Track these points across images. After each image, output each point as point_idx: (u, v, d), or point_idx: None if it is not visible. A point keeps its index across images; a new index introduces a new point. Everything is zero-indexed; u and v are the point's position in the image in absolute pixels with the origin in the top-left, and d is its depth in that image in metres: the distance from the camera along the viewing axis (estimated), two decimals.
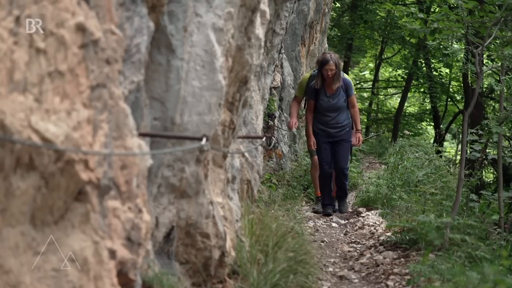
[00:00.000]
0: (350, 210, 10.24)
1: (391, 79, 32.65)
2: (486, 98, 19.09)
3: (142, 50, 3.17)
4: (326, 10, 16.91)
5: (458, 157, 16.27)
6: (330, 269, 6.65)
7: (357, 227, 8.91)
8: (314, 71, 9.65)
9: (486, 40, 7.49)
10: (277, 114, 10.80)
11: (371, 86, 31.36)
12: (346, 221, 9.33)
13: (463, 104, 24.54)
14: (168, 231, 4.03)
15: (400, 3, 23.56)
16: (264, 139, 6.84)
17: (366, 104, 30.81)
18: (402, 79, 29.33)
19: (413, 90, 29.37)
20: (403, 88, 28.77)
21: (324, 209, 9.49)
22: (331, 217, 9.46)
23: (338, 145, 9.32)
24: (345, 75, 9.35)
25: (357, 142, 9.41)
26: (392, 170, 11.06)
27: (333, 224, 9.03)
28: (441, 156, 14.58)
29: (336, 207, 9.89)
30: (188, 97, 3.89)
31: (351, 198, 11.11)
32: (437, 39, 8.33)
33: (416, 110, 32.28)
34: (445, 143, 28.16)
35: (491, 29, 7.52)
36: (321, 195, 9.62)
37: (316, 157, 9.63)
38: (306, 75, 9.83)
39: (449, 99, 27.78)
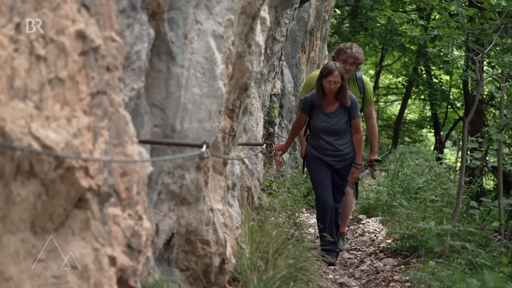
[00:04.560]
0: (351, 217, 10.24)
1: (391, 86, 32.71)
2: (486, 105, 19.11)
3: (142, 57, 3.17)
4: (326, 17, 16.92)
5: (459, 164, 16.27)
6: (331, 276, 6.64)
7: (357, 234, 8.91)
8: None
9: (486, 47, 7.50)
10: (277, 121, 10.80)
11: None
12: (347, 228, 9.32)
13: (463, 111, 24.56)
14: (168, 238, 4.03)
15: (400, 10, 23.59)
16: (264, 146, 6.84)
17: None
18: (402, 86, 29.37)
19: (413, 97, 29.41)
20: (403, 95, 28.81)
21: (327, 256, 6.67)
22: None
23: (335, 180, 7.16)
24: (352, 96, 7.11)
25: (351, 180, 7.33)
26: (393, 177, 11.05)
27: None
28: (441, 163, 14.56)
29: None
30: (188, 104, 3.89)
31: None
32: (437, 46, 8.33)
33: (416, 117, 32.32)
34: (446, 150, 28.17)
35: (491, 36, 7.53)
36: (319, 235, 7.18)
37: None
38: (315, 73, 7.80)
39: (449, 106, 27.82)
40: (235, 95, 4.92)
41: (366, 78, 7.87)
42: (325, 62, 14.26)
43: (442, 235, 6.88)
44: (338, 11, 25.16)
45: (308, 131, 7.33)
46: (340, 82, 6.83)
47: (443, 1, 8.24)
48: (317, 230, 7.29)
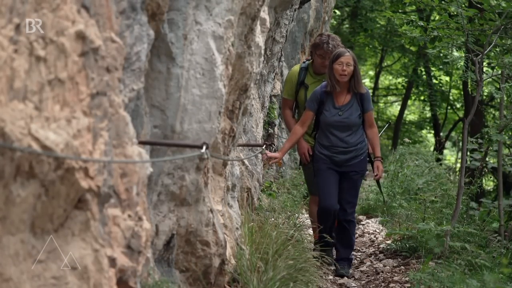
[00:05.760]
0: None
1: (391, 87, 32.69)
2: (486, 106, 19.11)
3: (142, 58, 3.17)
4: (326, 18, 16.91)
5: (458, 165, 16.27)
6: (330, 277, 6.64)
7: (357, 235, 8.90)
8: (304, 62, 7.33)
9: (486, 48, 7.50)
10: (277, 122, 10.79)
11: (371, 94, 31.36)
12: None
13: (463, 112, 24.57)
14: (168, 239, 4.03)
15: (400, 11, 23.59)
16: (264, 147, 6.83)
17: None
18: (402, 87, 29.37)
19: (413, 98, 29.39)
20: (403, 96, 28.81)
21: (327, 257, 6.22)
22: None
23: (346, 179, 6.57)
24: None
25: (377, 174, 6.63)
26: (392, 178, 11.05)
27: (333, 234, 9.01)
28: (441, 164, 14.57)
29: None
30: (188, 105, 3.89)
31: None
32: (437, 47, 8.33)
33: (416, 118, 32.31)
34: (445, 151, 28.17)
35: (491, 37, 7.53)
36: (318, 236, 6.66)
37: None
38: (294, 69, 7.35)
39: (449, 107, 27.81)
40: (234, 96, 4.92)
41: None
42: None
43: (442, 236, 6.88)
44: (338, 12, 25.15)
45: (315, 129, 6.75)
46: (353, 64, 6.38)
47: (443, 2, 8.24)
48: (317, 231, 6.79)
